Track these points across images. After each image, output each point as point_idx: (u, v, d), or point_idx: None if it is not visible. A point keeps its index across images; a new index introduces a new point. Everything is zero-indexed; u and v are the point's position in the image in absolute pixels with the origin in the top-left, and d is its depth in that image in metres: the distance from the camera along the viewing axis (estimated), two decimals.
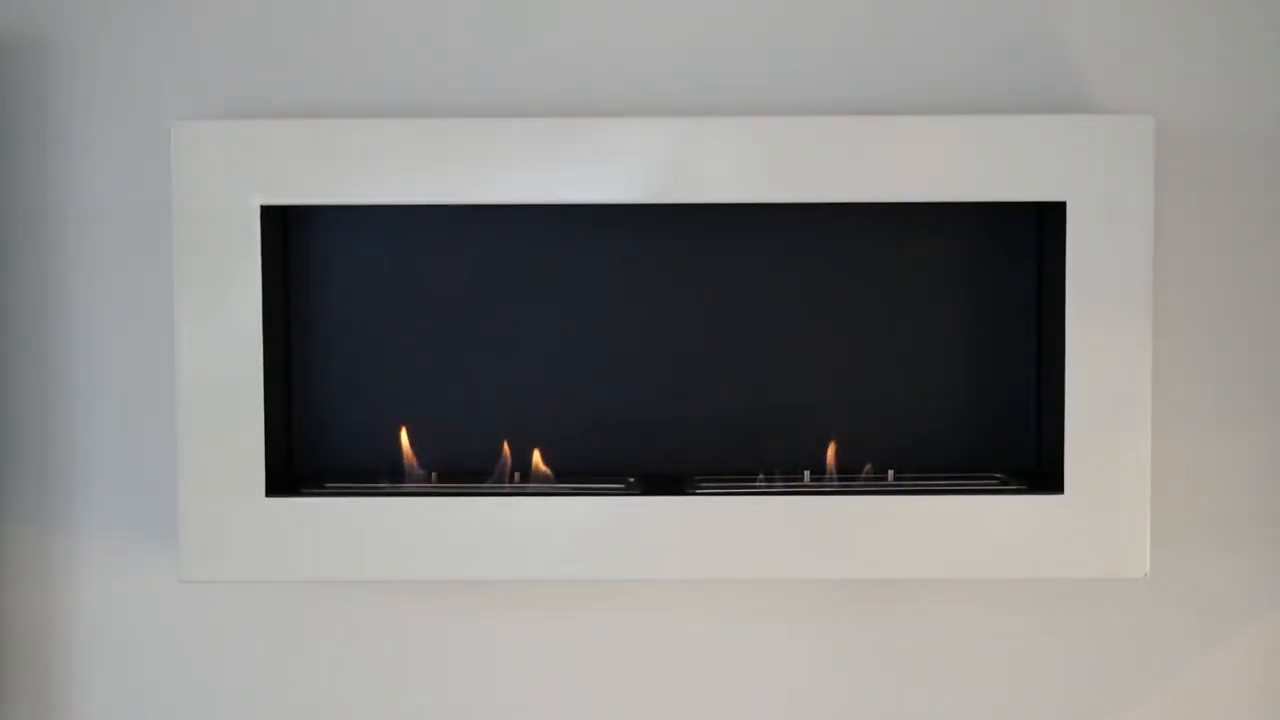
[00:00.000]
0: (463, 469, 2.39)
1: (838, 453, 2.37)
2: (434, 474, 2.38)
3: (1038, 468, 2.38)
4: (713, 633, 2.46)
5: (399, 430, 2.38)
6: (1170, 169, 2.36)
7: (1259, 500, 2.42)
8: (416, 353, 2.43)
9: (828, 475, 2.36)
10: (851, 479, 2.36)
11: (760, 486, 2.34)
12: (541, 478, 2.36)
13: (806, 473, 2.36)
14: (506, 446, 2.38)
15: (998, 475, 2.38)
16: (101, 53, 2.39)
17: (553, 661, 2.46)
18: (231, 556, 2.28)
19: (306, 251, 2.42)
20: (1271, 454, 2.42)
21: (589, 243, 2.43)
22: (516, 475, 2.38)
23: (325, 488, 2.35)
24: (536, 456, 2.38)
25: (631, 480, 2.36)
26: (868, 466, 2.37)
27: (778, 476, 2.37)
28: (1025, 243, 2.40)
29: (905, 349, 2.43)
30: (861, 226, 2.41)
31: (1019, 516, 2.27)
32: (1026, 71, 2.37)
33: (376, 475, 2.38)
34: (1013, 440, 2.42)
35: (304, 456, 2.43)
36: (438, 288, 2.43)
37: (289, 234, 2.41)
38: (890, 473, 2.37)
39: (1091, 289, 2.25)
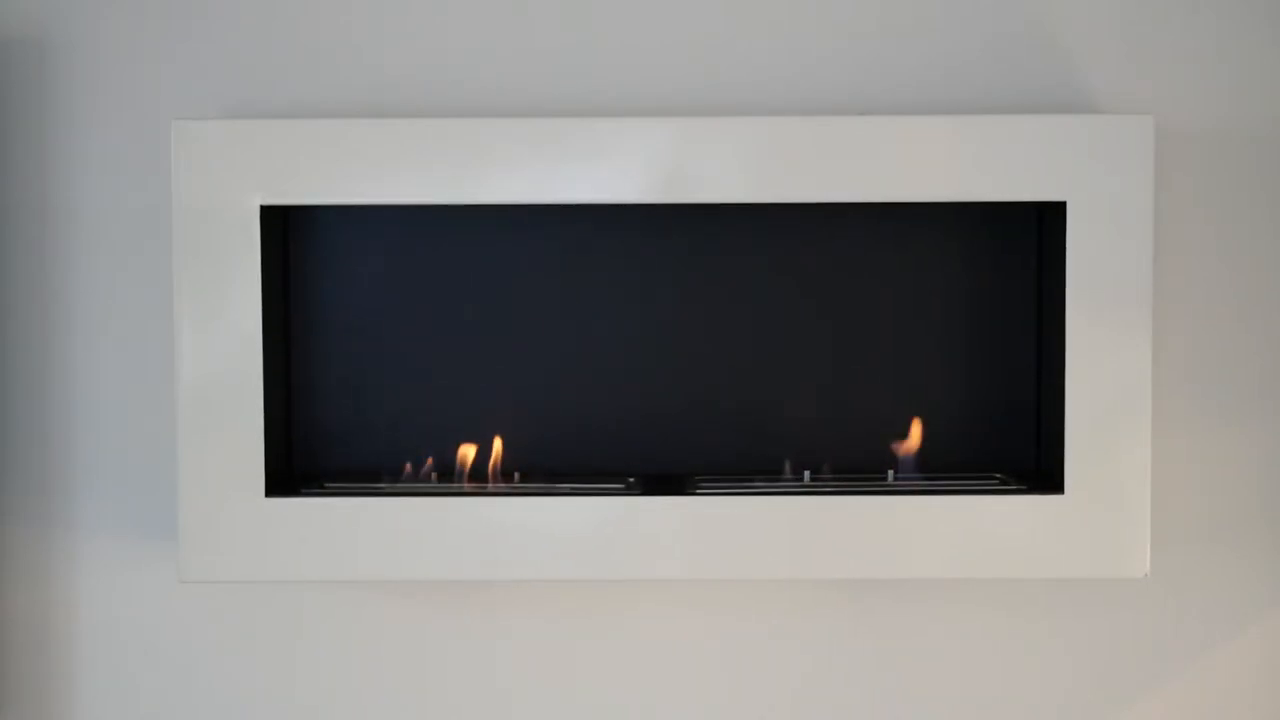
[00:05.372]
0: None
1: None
2: (434, 473, 2.39)
3: (1038, 468, 2.38)
4: (713, 633, 2.46)
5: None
6: (1170, 169, 2.36)
7: (1259, 500, 2.42)
8: (416, 353, 2.43)
9: (900, 465, 2.36)
10: (853, 478, 2.36)
11: (760, 486, 2.34)
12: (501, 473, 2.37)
13: (806, 473, 2.37)
14: (498, 442, 2.38)
15: (998, 475, 2.38)
16: (101, 53, 2.39)
17: (553, 661, 2.46)
18: (231, 556, 2.28)
19: (306, 251, 2.42)
20: (1271, 454, 2.42)
21: (589, 243, 2.43)
22: (517, 475, 2.39)
23: (325, 488, 2.35)
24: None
25: (631, 480, 2.36)
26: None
27: (777, 476, 2.37)
28: (1025, 243, 2.40)
29: (905, 349, 2.43)
30: (861, 226, 2.41)
31: (1019, 516, 2.27)
32: (1026, 71, 2.37)
33: (378, 475, 2.38)
34: (1013, 440, 2.42)
35: (304, 456, 2.43)
36: (438, 288, 2.43)
37: (289, 234, 2.41)
38: (890, 473, 2.37)
39: (1091, 289, 2.25)
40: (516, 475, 2.38)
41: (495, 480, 2.36)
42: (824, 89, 2.38)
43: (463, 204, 2.29)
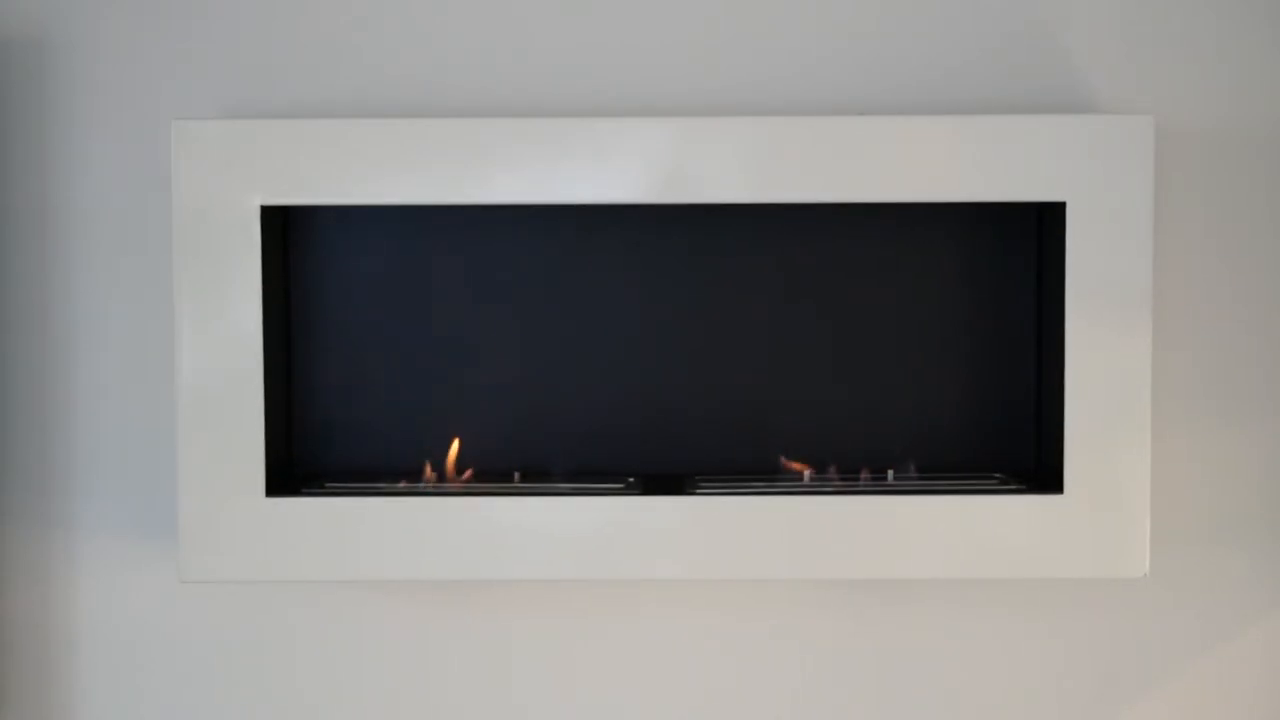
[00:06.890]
0: (463, 469, 2.39)
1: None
2: (434, 474, 2.39)
3: (1038, 468, 2.38)
4: (713, 633, 2.46)
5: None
6: (1170, 169, 2.36)
7: (1259, 500, 2.42)
8: (416, 353, 2.43)
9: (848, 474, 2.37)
10: (853, 479, 2.36)
11: (760, 486, 2.34)
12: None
13: (806, 473, 2.36)
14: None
15: (998, 475, 2.38)
16: (101, 53, 2.39)
17: (553, 661, 2.46)
18: (231, 556, 2.28)
19: (306, 251, 2.42)
20: (1271, 454, 2.42)
21: (589, 243, 2.43)
22: (517, 475, 2.39)
23: (325, 488, 2.35)
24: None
25: (631, 480, 2.36)
26: (880, 468, 2.37)
27: (777, 476, 2.37)
28: (1025, 243, 2.40)
29: (905, 349, 2.43)
30: (861, 226, 2.41)
31: (1019, 516, 2.27)
32: (1026, 71, 2.37)
33: (377, 475, 2.38)
34: (1013, 440, 2.42)
35: (304, 456, 2.43)
36: (438, 287, 2.43)
37: (289, 234, 2.41)
38: (890, 473, 2.37)
39: (1091, 289, 2.25)
40: (516, 475, 2.38)
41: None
42: (824, 89, 2.38)
43: (463, 204, 2.29)
